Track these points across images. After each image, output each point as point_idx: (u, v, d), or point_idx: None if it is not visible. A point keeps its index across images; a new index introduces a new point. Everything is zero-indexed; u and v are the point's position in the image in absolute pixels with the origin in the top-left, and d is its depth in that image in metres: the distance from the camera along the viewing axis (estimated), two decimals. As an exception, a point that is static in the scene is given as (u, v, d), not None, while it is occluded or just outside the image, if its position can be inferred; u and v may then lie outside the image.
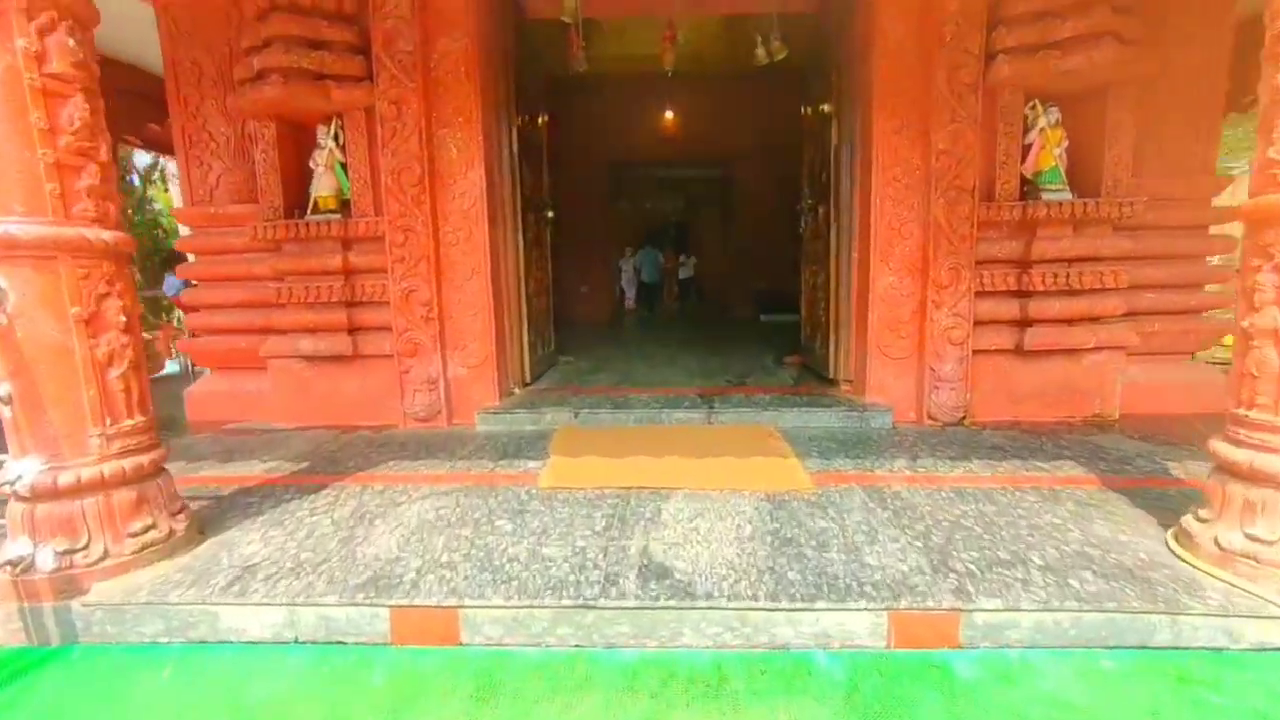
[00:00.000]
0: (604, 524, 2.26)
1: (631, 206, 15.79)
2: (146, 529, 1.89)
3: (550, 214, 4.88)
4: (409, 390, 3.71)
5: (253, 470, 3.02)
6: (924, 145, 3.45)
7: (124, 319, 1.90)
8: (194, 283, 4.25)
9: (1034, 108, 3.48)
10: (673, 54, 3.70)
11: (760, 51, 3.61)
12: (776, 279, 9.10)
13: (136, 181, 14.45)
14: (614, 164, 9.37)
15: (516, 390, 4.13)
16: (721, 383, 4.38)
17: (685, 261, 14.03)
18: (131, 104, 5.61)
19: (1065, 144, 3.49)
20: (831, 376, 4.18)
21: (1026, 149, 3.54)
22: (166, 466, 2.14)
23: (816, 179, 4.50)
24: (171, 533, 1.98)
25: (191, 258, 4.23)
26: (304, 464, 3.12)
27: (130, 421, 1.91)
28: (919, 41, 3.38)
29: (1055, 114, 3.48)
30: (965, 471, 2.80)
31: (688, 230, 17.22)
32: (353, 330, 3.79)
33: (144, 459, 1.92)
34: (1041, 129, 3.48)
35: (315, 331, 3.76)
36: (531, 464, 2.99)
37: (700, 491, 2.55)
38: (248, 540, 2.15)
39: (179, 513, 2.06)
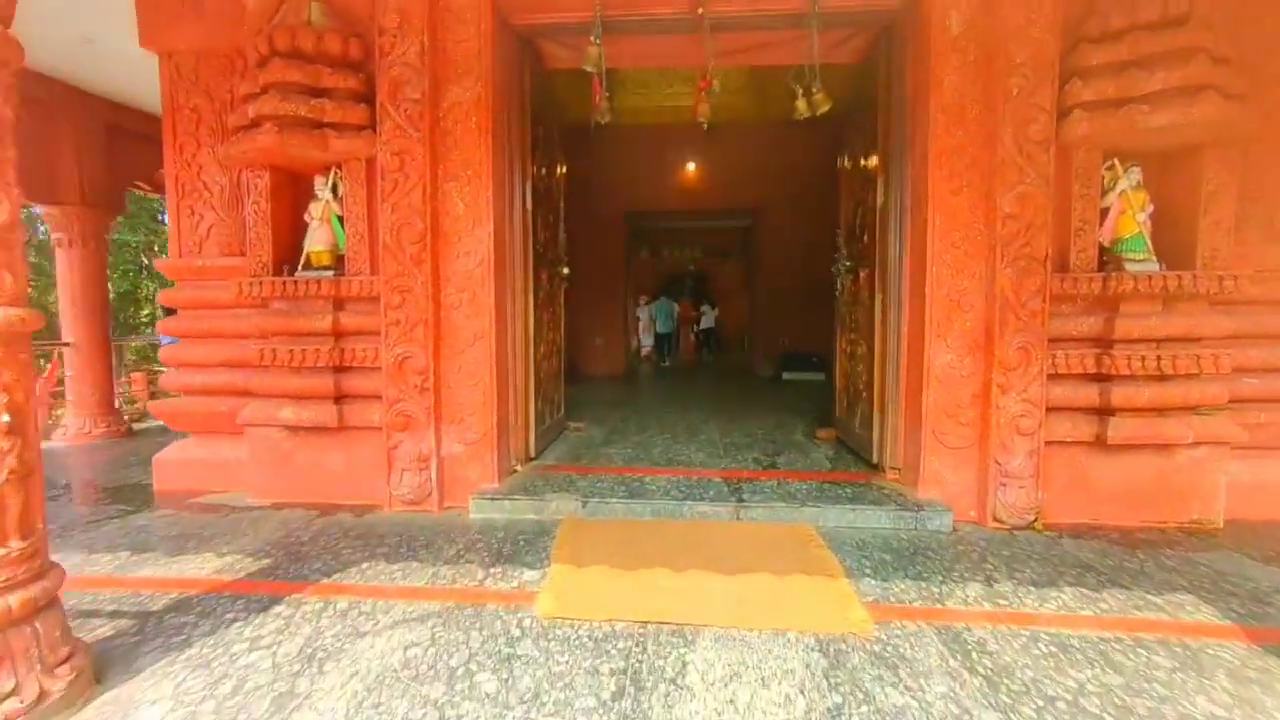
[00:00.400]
0: (614, 686, 1.73)
1: (650, 254, 15.64)
2: (1, 698, 1.42)
3: (565, 270, 4.51)
4: (397, 468, 3.26)
5: (202, 569, 2.55)
6: (987, 208, 3.01)
7: (8, 418, 1.48)
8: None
9: (1112, 167, 3.05)
10: (708, 105, 3.35)
11: (801, 104, 3.25)
12: (801, 335, 8.65)
13: (166, 220, 14.61)
14: (632, 213, 9.12)
15: (519, 468, 3.65)
16: (749, 463, 3.86)
17: (706, 311, 13.70)
18: (144, 149, 5.45)
19: (1150, 208, 3.04)
20: (876, 462, 3.65)
21: (1104, 213, 3.09)
22: (69, 584, 1.71)
23: (856, 239, 4.08)
24: (42, 695, 1.50)
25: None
26: (264, 561, 2.64)
27: (1, 551, 1.46)
28: (982, 94, 2.99)
29: (1137, 174, 3.03)
30: (1059, 607, 2.23)
31: (707, 279, 16.98)
32: (340, 398, 3.38)
33: (11, 600, 1.46)
34: (1122, 191, 3.03)
35: (299, 398, 3.35)
36: (529, 574, 2.48)
37: (734, 632, 2.02)
38: (152, 697, 1.66)
39: (65, 661, 1.59)
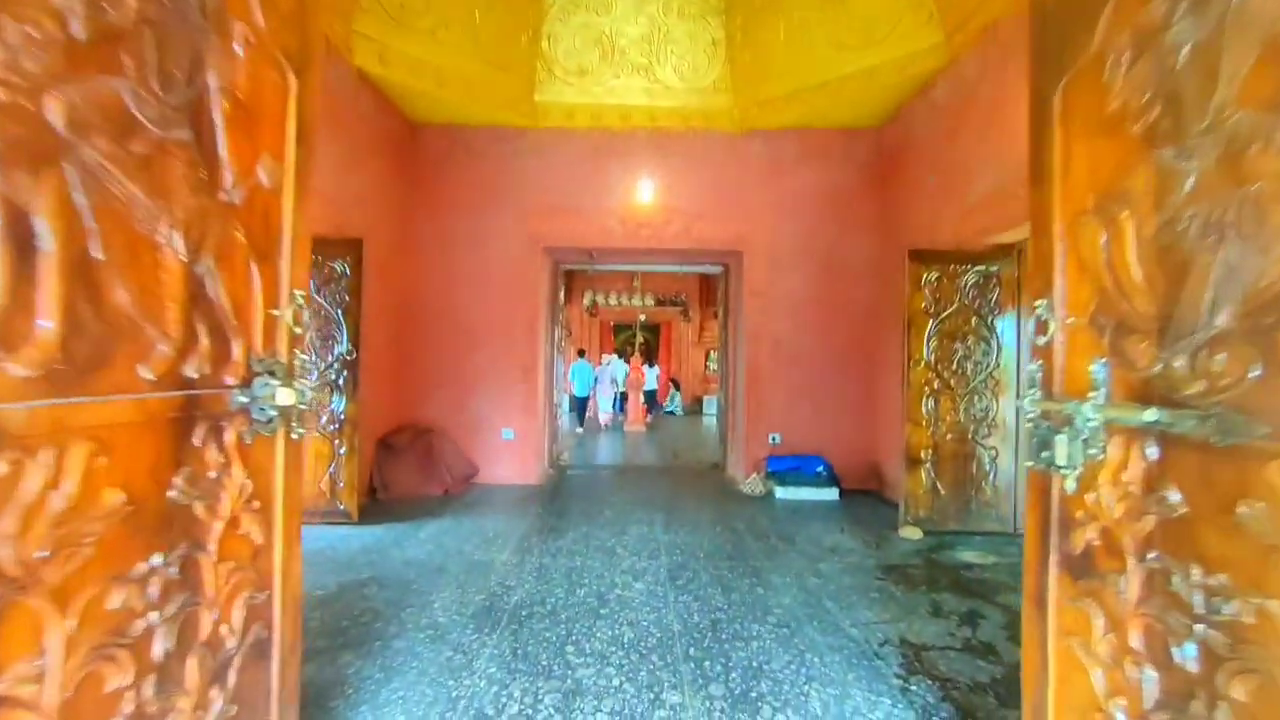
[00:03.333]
0: None
1: (593, 307, 12.82)
2: None
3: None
4: None
5: None
6: None
7: None
8: None
9: None
10: None
11: None
12: (798, 430, 5.92)
13: None
14: (557, 250, 6.29)
15: None
16: None
17: (645, 372, 11.14)
18: None
19: None
20: None
21: None
22: None
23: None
24: None
25: None
26: None
27: None
28: None
29: None
30: None
31: (658, 331, 14.32)
32: None
33: None
34: None
35: None
36: None
37: None
38: None
39: None
